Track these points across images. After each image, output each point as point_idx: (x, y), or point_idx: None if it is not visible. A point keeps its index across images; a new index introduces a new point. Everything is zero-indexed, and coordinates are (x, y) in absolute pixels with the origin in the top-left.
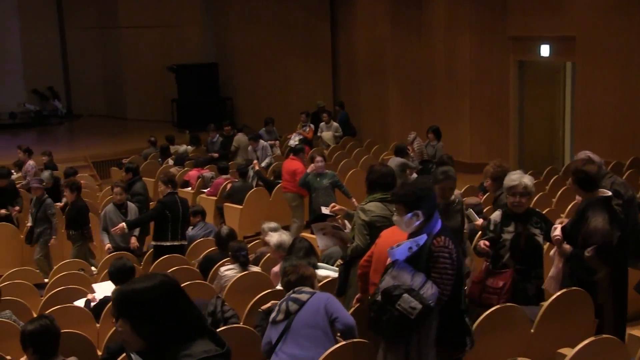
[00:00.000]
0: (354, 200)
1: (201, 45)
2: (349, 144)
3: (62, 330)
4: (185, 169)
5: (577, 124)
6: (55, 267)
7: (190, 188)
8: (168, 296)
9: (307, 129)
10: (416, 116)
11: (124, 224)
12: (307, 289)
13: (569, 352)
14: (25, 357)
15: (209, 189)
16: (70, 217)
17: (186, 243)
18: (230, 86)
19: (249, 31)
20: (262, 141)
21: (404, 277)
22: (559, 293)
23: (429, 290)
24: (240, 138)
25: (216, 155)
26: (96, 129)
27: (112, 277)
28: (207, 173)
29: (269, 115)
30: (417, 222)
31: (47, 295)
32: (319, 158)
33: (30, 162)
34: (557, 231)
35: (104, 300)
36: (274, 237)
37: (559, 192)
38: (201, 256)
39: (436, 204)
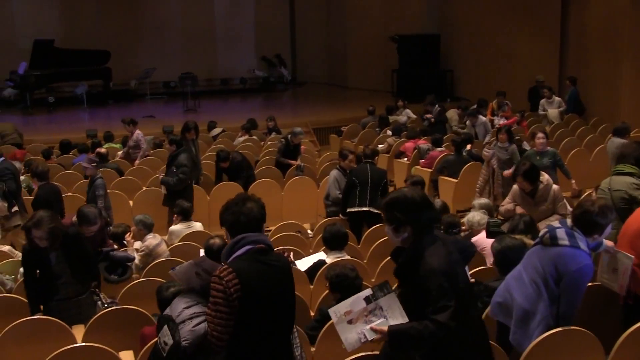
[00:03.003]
0: (573, 181)
1: (424, 16)
2: (573, 121)
3: None
4: (402, 139)
5: None
6: (273, 228)
7: (406, 159)
8: None
9: (506, 108)
10: None
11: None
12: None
13: None
14: None
15: (423, 160)
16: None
17: (376, 212)
18: (451, 58)
19: (473, 2)
20: (481, 117)
21: (178, 305)
22: None
23: (189, 325)
24: (448, 113)
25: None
26: (318, 96)
27: (326, 242)
28: (423, 144)
29: (489, 90)
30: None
31: None
32: (540, 134)
33: (138, 131)
34: None
35: (318, 264)
36: (468, 214)
37: None
38: None
39: (243, 226)
